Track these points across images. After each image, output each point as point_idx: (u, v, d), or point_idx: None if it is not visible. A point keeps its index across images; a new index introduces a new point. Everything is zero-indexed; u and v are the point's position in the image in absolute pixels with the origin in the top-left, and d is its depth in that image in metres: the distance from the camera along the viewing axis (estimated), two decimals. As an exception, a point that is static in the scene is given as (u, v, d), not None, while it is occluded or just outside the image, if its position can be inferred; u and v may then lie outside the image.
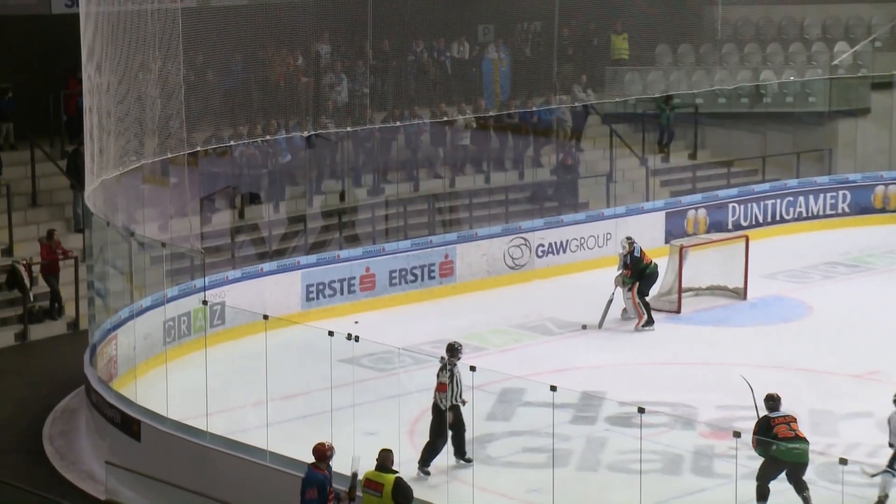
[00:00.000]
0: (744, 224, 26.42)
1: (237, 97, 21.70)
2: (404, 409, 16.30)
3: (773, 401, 14.22)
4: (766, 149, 28.58)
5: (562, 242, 24.20)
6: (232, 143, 21.68)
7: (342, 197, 24.10)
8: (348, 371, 16.17)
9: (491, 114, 25.69)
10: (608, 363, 19.33)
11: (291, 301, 21.14)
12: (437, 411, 15.12)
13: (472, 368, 13.73)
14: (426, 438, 15.53)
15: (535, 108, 26.07)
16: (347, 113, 23.47)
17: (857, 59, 29.49)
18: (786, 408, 14.41)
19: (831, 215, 27.54)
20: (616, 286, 20.70)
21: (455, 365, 15.08)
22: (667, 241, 24.30)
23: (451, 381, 15.03)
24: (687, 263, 22.24)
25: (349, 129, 23.38)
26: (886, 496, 14.68)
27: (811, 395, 17.78)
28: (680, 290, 21.88)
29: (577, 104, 26.92)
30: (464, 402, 15.00)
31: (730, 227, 26.08)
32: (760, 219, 26.86)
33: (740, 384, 18.21)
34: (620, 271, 20.70)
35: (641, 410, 12.89)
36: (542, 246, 24.01)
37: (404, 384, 17.67)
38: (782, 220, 27.03)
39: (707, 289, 22.53)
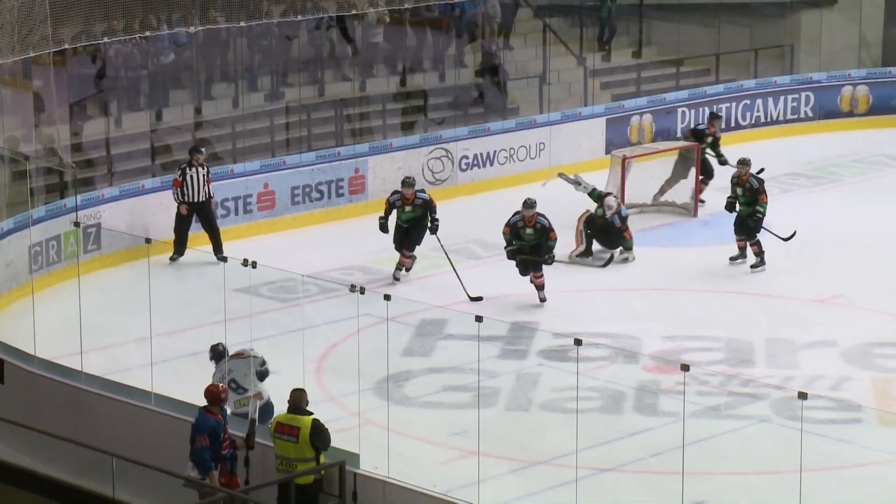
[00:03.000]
0: (694, 131, 26.60)
1: (111, -14, 21.39)
2: (309, 345, 16.36)
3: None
4: (721, 45, 28.69)
5: (488, 154, 24.25)
6: (105, 40, 21.41)
7: (235, 103, 23.94)
8: (245, 301, 16.18)
9: (406, 6, 25.53)
10: (541, 290, 19.49)
11: (178, 222, 21.05)
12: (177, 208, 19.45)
13: (387, 297, 13.79)
14: (335, 377, 15.68)
15: (457, 0, 25.94)
16: (241, 5, 23.22)
17: (823, -65, 29.56)
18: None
19: (792, 120, 27.80)
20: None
21: (191, 167, 19.39)
22: (607, 152, 24.43)
23: (183, 181, 19.49)
24: (630, 176, 22.42)
25: (243, 23, 23.14)
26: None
27: (768, 322, 18.10)
28: (622, 207, 22.07)
29: (505, -6, 26.85)
30: (211, 197, 19.79)
31: (678, 135, 26.26)
32: (713, 125, 27.05)
33: (691, 312, 18.53)
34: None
35: (578, 342, 13.01)
36: (467, 158, 24.03)
37: (309, 316, 17.76)
38: (738, 127, 27.22)
39: (653, 205, 22.77)
